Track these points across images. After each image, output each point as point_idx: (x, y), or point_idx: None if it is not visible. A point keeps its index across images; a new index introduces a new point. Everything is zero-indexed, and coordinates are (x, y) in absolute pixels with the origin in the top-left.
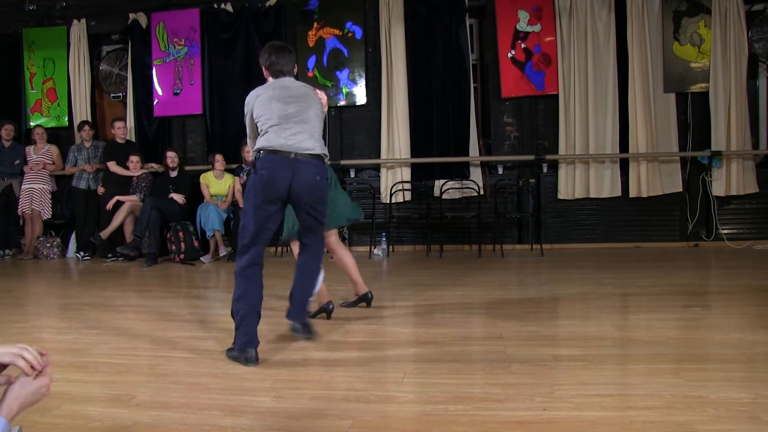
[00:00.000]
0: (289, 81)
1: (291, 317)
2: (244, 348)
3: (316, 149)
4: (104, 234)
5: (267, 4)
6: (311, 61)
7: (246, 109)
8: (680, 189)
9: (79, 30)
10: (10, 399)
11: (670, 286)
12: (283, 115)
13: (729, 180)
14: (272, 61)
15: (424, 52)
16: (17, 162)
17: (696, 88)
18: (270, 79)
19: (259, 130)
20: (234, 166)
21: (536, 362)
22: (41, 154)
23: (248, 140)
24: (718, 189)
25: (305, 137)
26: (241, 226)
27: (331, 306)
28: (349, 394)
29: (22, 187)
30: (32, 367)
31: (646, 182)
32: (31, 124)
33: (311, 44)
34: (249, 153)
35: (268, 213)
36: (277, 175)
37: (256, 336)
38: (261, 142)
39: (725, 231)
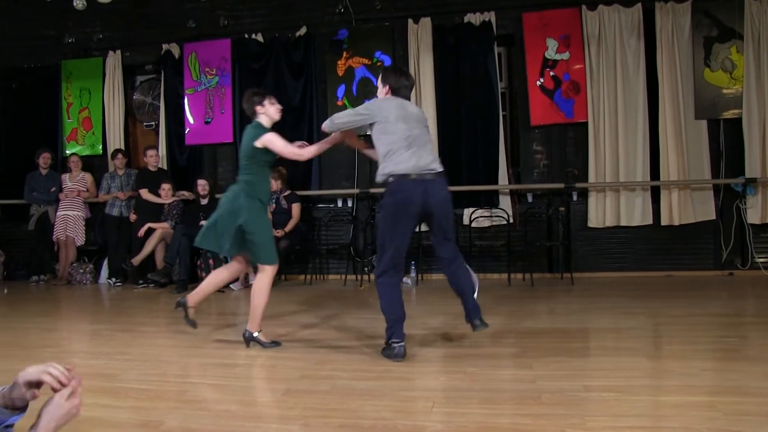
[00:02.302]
0: (408, 103)
1: (471, 317)
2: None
3: (440, 167)
4: (136, 261)
5: (297, 34)
6: (341, 90)
7: (362, 113)
8: (713, 217)
9: (114, 61)
10: (45, 421)
11: (704, 315)
12: (408, 136)
13: (765, 207)
14: (402, 84)
15: (453, 80)
16: (53, 189)
17: (728, 114)
18: (389, 94)
19: (380, 146)
20: None
21: (567, 392)
22: (76, 181)
23: (332, 123)
24: (753, 217)
25: (431, 158)
26: (381, 247)
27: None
28: (377, 423)
29: (57, 213)
30: (60, 381)
31: (678, 210)
32: (67, 152)
33: (340, 73)
34: (276, 182)
35: (404, 229)
36: (410, 197)
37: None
38: (390, 166)
39: (761, 259)
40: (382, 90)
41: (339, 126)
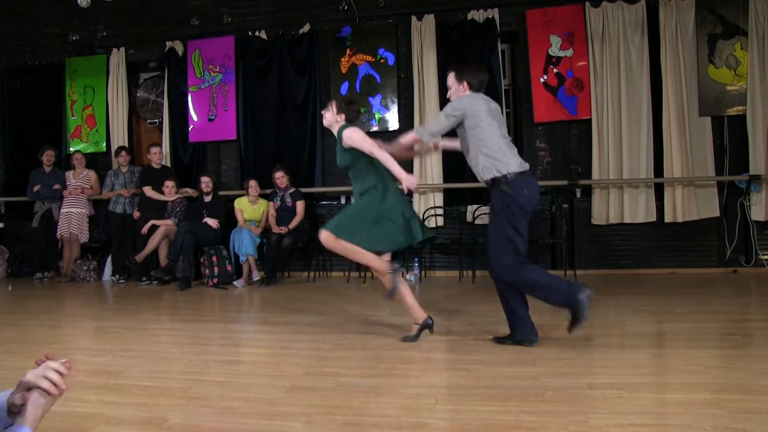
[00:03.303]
0: (489, 98)
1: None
2: (577, 294)
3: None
4: (139, 258)
5: (300, 31)
6: (344, 88)
7: (454, 114)
8: (717, 214)
9: (118, 58)
10: (31, 408)
11: (709, 313)
12: (504, 135)
13: None
14: (480, 79)
15: None
16: (57, 186)
17: (732, 111)
18: (468, 91)
19: (478, 143)
20: (268, 191)
21: (570, 390)
22: (80, 179)
23: (430, 134)
24: (757, 213)
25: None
26: (506, 239)
27: (430, 321)
28: (381, 421)
29: (61, 211)
30: (57, 386)
31: (682, 207)
32: (71, 149)
33: (344, 71)
34: (281, 179)
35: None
36: (534, 193)
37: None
38: (502, 164)
39: (766, 256)
40: (458, 87)
41: (437, 132)
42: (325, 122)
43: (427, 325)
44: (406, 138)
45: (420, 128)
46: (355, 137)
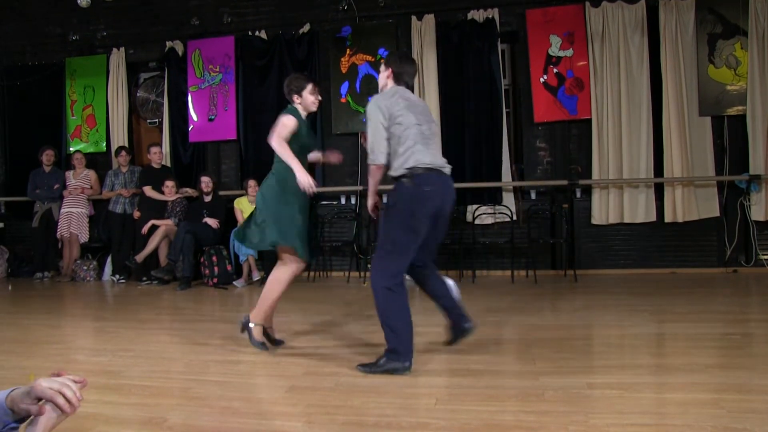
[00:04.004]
0: (409, 93)
1: (465, 323)
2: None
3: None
4: (139, 257)
5: (300, 31)
6: (344, 88)
7: (376, 117)
8: (717, 214)
9: (118, 58)
10: (43, 420)
11: (708, 312)
12: (420, 131)
13: None
14: (405, 70)
15: (456, 77)
16: (57, 186)
17: (732, 111)
18: (390, 82)
19: (395, 139)
20: None
21: (570, 390)
22: (80, 178)
23: (378, 154)
24: (757, 213)
25: (443, 159)
26: (391, 242)
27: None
28: (381, 420)
29: (61, 211)
30: (71, 404)
31: (682, 207)
32: (71, 149)
33: (344, 70)
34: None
35: (423, 229)
36: (436, 192)
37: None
38: (410, 160)
39: (766, 256)
40: (384, 73)
41: (380, 149)
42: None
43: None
44: (375, 179)
45: (372, 156)
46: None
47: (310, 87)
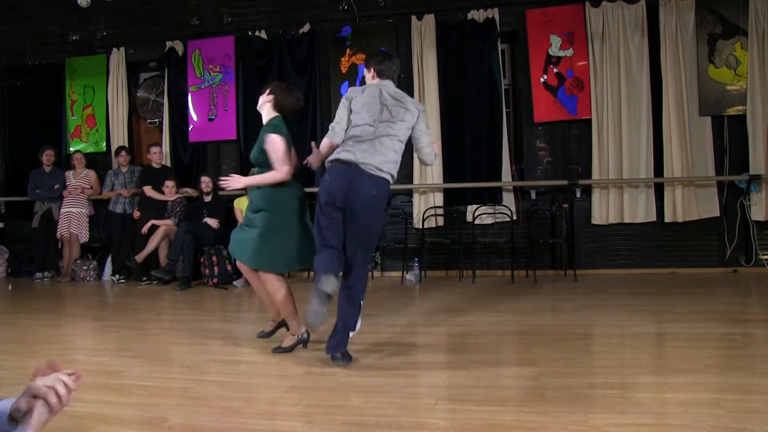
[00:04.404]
0: (386, 87)
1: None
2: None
3: (385, 172)
4: (139, 257)
5: (300, 31)
6: (344, 88)
7: (344, 103)
8: (717, 214)
9: (118, 58)
10: (36, 415)
11: (709, 313)
12: (362, 130)
13: None
14: (385, 66)
15: (456, 77)
16: (57, 186)
17: (732, 111)
18: (376, 80)
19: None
20: None
21: (570, 390)
22: (80, 178)
23: (335, 133)
24: (757, 213)
25: (380, 159)
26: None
27: (306, 336)
28: (381, 420)
29: (61, 210)
30: (62, 403)
31: (682, 207)
32: (71, 149)
33: (344, 70)
34: None
35: (325, 217)
36: (333, 184)
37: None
38: (334, 155)
39: (766, 256)
40: (368, 74)
41: (339, 128)
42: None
43: (302, 340)
44: (324, 146)
45: (329, 133)
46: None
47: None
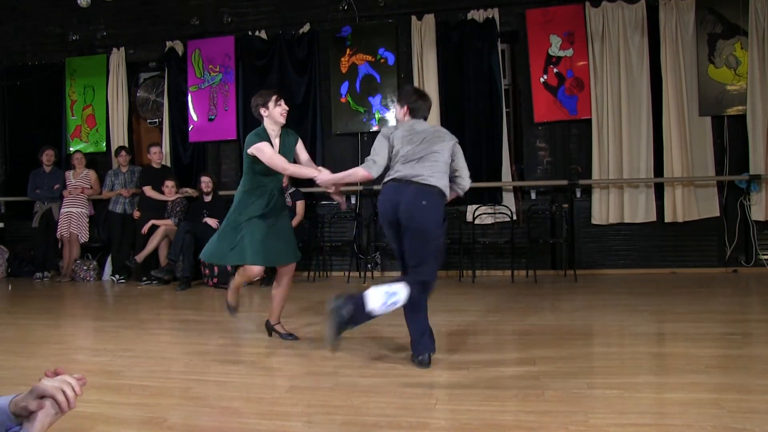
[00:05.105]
0: (419, 123)
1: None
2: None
3: (431, 179)
4: (139, 257)
5: (300, 31)
6: (344, 88)
7: (382, 141)
8: (717, 214)
9: (118, 58)
10: (41, 416)
11: (709, 313)
12: (406, 155)
13: None
14: (419, 105)
15: (456, 77)
16: (57, 186)
17: (732, 111)
18: (408, 118)
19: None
20: None
21: (570, 389)
22: (80, 178)
23: (372, 158)
24: (757, 213)
25: (425, 171)
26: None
27: (267, 323)
28: (381, 420)
29: (61, 210)
30: (69, 404)
31: (682, 207)
32: (71, 149)
33: (344, 70)
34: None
35: (387, 233)
36: (385, 202)
37: None
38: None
39: (766, 256)
40: (400, 111)
41: (380, 163)
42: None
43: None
44: (356, 175)
45: (368, 164)
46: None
47: (274, 98)
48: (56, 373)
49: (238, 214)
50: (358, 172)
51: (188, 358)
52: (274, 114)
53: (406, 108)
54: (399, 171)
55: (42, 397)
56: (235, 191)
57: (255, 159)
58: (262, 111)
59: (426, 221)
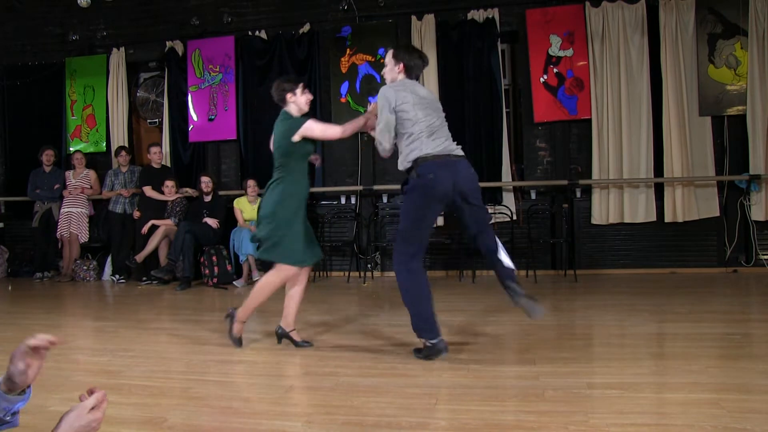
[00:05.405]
0: (419, 87)
1: (508, 279)
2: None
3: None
4: (139, 257)
5: (300, 31)
6: (344, 87)
7: (385, 109)
8: (717, 213)
9: (118, 58)
10: (64, 428)
11: (709, 312)
12: (430, 125)
13: None
14: (415, 62)
15: (457, 77)
16: (57, 186)
17: (732, 111)
18: (401, 76)
19: (403, 132)
20: None
21: (570, 389)
22: (80, 178)
23: (385, 134)
24: (757, 213)
25: (453, 144)
26: (403, 229)
27: (279, 330)
28: (381, 420)
29: (61, 210)
30: (48, 340)
31: (682, 207)
32: (71, 149)
33: (344, 70)
34: None
35: (432, 214)
36: (443, 178)
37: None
38: (415, 152)
39: (766, 256)
40: (394, 68)
41: (386, 137)
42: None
43: (231, 314)
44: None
45: (380, 148)
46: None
47: (301, 85)
48: (90, 393)
49: (293, 211)
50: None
51: (188, 358)
52: (301, 101)
53: (402, 66)
54: (434, 145)
55: (24, 356)
56: (234, 191)
57: (300, 143)
58: (289, 96)
59: (479, 190)
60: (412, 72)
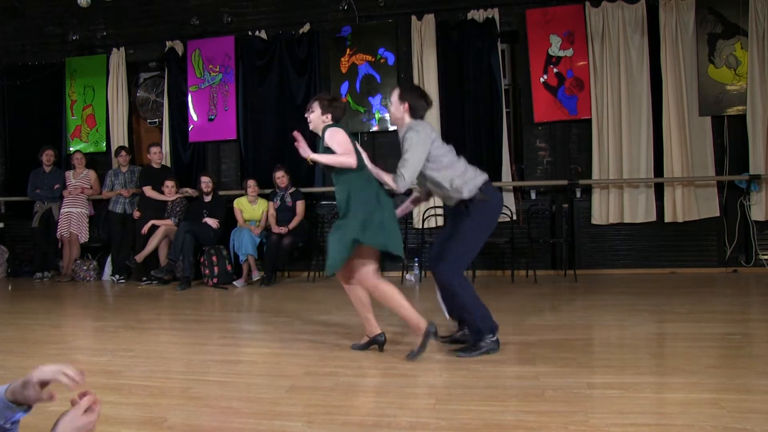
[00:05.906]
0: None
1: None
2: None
3: None
4: (139, 257)
5: (300, 31)
6: (344, 87)
7: (424, 143)
8: (717, 213)
9: (118, 58)
10: (60, 431)
11: (708, 313)
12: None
13: None
14: (420, 105)
15: (456, 77)
16: (57, 186)
17: (732, 111)
18: (407, 117)
19: (445, 165)
20: (268, 191)
21: (570, 389)
22: (80, 178)
23: (418, 169)
24: (757, 213)
25: None
26: (472, 245)
27: (382, 338)
28: (381, 420)
29: (61, 210)
30: (75, 382)
31: (682, 207)
32: (71, 149)
33: (344, 70)
34: (282, 179)
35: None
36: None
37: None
38: (473, 180)
39: (766, 256)
40: (399, 107)
41: (416, 172)
42: (312, 126)
43: (430, 333)
44: (380, 175)
45: (401, 183)
46: (338, 138)
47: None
48: (82, 396)
49: (380, 209)
50: (384, 176)
51: (188, 358)
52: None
53: (406, 105)
54: (477, 172)
55: (44, 385)
56: (234, 191)
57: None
58: (328, 116)
59: None
60: (416, 113)
